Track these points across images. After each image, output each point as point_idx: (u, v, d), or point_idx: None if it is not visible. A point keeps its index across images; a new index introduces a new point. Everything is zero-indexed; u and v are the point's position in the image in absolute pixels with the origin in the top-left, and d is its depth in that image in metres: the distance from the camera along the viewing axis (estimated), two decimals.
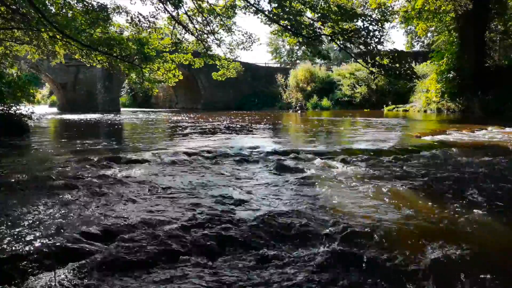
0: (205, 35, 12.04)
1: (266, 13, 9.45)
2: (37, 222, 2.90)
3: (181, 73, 13.23)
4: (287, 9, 9.09)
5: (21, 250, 2.37)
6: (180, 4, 10.38)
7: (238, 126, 13.28)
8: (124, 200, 3.59)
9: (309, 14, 9.68)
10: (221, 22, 11.55)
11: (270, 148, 6.67)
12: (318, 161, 5.63)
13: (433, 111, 21.84)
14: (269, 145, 7.35)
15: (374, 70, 9.55)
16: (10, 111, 9.33)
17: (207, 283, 2.11)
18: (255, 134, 10.55)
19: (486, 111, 18.29)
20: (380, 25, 9.18)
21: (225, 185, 4.29)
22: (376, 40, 9.05)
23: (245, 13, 10.80)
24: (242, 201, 3.58)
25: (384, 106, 26.63)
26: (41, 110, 28.61)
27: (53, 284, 2.06)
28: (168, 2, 10.38)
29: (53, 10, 10.21)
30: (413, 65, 21.22)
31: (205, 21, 11.62)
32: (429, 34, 27.35)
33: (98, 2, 10.21)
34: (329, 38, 9.66)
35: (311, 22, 9.58)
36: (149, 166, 5.27)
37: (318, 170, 5.01)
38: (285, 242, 2.66)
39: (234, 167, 5.42)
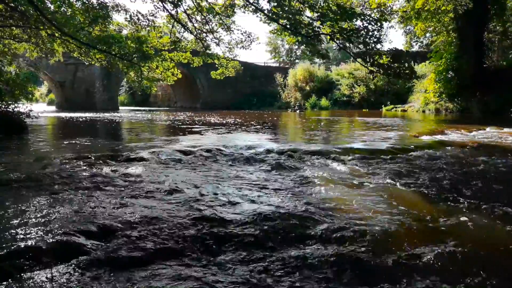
0: (204, 34, 12.04)
1: (265, 12, 9.44)
2: (35, 220, 2.89)
3: (179, 71, 13.24)
4: (286, 8, 9.09)
5: (19, 247, 2.36)
6: (179, 3, 10.38)
7: (236, 125, 13.28)
8: (121, 197, 3.59)
9: (308, 13, 9.68)
10: (220, 21, 11.54)
11: (268, 147, 6.67)
12: (316, 160, 5.63)
13: (431, 111, 21.87)
14: (267, 144, 7.35)
15: (373, 69, 9.56)
16: (8, 109, 9.30)
17: (205, 281, 2.11)
18: (253, 133, 10.55)
19: (485, 111, 18.34)
20: (379, 25, 9.19)
21: (222, 183, 4.29)
22: (375, 39, 9.05)
23: (244, 12, 10.79)
24: (239, 200, 3.58)
25: (383, 106, 26.67)
26: (40, 108, 28.53)
27: (50, 281, 2.06)
28: (167, 1, 10.38)
29: (52, 8, 10.19)
30: (412, 65, 21.27)
31: (204, 20, 11.62)
32: (427, 35, 27.36)
33: (98, 0, 10.20)
34: (328, 37, 9.66)
35: (310, 21, 9.58)
36: (147, 165, 5.27)
37: (315, 169, 5.02)
38: (282, 241, 2.67)
39: (231, 165, 5.42)
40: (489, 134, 9.63)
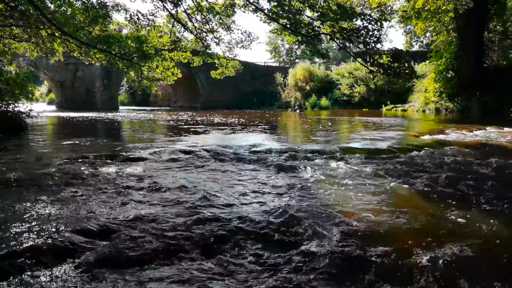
0: (204, 34, 12.03)
1: (265, 11, 9.44)
2: (34, 219, 2.89)
3: (179, 71, 13.22)
4: (286, 8, 9.08)
5: (18, 247, 2.36)
6: (179, 2, 10.38)
7: (236, 124, 13.27)
8: (121, 197, 3.58)
9: (308, 12, 9.67)
10: (220, 21, 11.54)
11: (269, 147, 6.66)
12: (316, 160, 5.63)
13: (431, 111, 21.86)
14: (267, 143, 7.34)
15: (373, 69, 9.55)
16: (8, 109, 9.30)
17: (204, 280, 2.11)
18: (254, 132, 10.55)
19: (485, 111, 18.32)
20: (379, 24, 9.18)
21: (222, 183, 4.28)
22: (375, 39, 9.05)
23: (244, 12, 10.78)
24: (239, 200, 3.58)
25: (383, 105, 26.65)
26: (40, 108, 28.52)
27: (50, 280, 2.06)
28: (167, 0, 10.38)
29: (52, 8, 10.18)
30: (412, 64, 21.31)
31: (204, 20, 11.61)
32: (428, 34, 27.34)
33: None
34: (328, 37, 9.65)
35: (310, 20, 9.57)
36: (147, 164, 5.26)
37: (316, 169, 5.01)
38: (282, 241, 2.66)
39: (231, 165, 5.41)
40: (489, 133, 9.62)
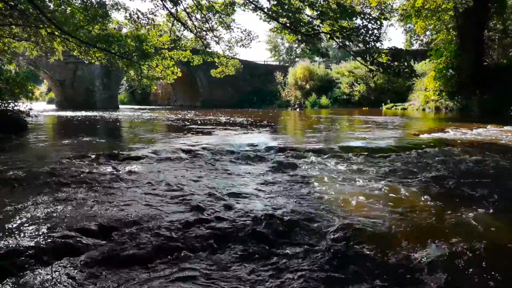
0: (204, 32, 12.03)
1: (265, 10, 9.43)
2: (35, 218, 2.89)
3: (179, 70, 13.22)
4: (286, 7, 9.08)
5: (18, 246, 2.37)
6: (179, 1, 10.37)
7: (236, 123, 13.26)
8: (121, 196, 3.59)
9: (308, 11, 9.67)
10: (220, 19, 11.53)
11: (268, 146, 6.66)
12: (316, 158, 5.63)
13: (431, 109, 21.85)
14: (267, 142, 7.34)
15: (373, 68, 9.55)
16: (8, 108, 9.30)
17: (205, 278, 2.11)
18: (253, 131, 10.53)
19: (484, 110, 18.31)
20: (378, 23, 9.17)
21: (222, 182, 4.29)
22: (375, 38, 9.04)
23: (244, 10, 10.77)
24: (238, 198, 3.58)
25: (383, 104, 26.64)
26: (39, 107, 28.52)
27: (50, 279, 2.06)
28: None
29: (52, 7, 10.18)
30: (412, 63, 21.32)
31: (204, 18, 11.60)
32: (428, 33, 27.31)
33: None
34: (328, 35, 9.65)
35: (310, 19, 9.57)
36: (147, 163, 5.26)
37: (316, 168, 5.02)
38: (282, 240, 2.67)
39: (231, 164, 5.42)
40: (489, 132, 9.62)
